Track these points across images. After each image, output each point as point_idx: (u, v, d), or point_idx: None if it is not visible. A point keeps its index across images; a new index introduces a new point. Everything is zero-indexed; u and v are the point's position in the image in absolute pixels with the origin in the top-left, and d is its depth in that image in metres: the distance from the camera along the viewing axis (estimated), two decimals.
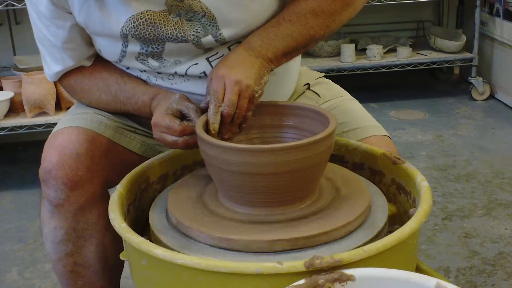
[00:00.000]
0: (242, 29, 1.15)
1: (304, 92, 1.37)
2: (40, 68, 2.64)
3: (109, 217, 0.98)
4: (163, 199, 1.09)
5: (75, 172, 1.13)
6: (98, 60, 1.26)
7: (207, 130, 1.04)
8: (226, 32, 1.14)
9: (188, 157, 1.21)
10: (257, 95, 1.07)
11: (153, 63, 1.18)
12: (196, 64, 1.18)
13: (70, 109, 1.32)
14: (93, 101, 1.25)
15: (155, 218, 1.03)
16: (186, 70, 1.19)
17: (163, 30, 1.13)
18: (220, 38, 1.15)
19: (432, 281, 0.80)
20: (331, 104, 1.33)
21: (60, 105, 2.51)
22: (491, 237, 2.01)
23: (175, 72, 1.19)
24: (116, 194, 1.04)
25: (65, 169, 1.12)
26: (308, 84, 1.38)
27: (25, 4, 2.59)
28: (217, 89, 1.06)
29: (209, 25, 1.13)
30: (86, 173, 1.14)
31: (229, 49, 1.18)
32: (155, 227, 1.01)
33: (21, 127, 2.48)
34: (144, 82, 1.23)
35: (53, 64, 1.23)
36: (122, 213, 1.00)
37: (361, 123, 1.28)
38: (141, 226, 1.11)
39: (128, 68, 1.23)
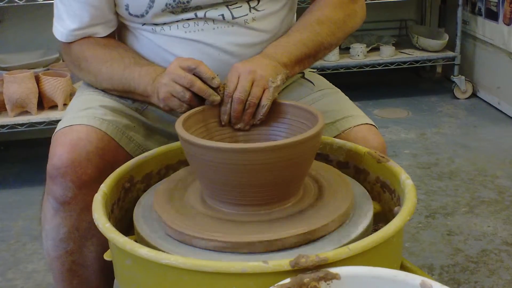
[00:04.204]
0: None
1: (297, 79, 1.38)
2: (22, 67, 2.62)
3: (93, 217, 0.97)
4: (147, 198, 1.08)
5: (84, 171, 1.12)
6: (113, 39, 1.30)
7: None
8: None
9: (172, 156, 1.21)
10: (273, 85, 1.10)
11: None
12: (216, 9, 1.23)
13: (71, 104, 1.31)
14: (103, 70, 1.25)
15: (140, 218, 1.02)
16: (205, 13, 1.23)
17: None
18: None
19: (417, 279, 0.80)
20: (325, 92, 1.34)
21: (42, 105, 2.49)
22: (474, 234, 2.03)
23: (195, 15, 1.22)
24: (100, 194, 1.03)
25: (75, 167, 1.12)
26: (302, 72, 1.40)
27: (7, 3, 2.58)
28: (231, 78, 1.10)
29: None
30: (95, 172, 1.13)
31: (248, 3, 1.24)
32: (140, 227, 1.00)
33: (2, 126, 2.45)
34: None
35: (69, 21, 1.25)
36: (106, 213, 0.99)
37: (353, 112, 1.29)
38: (126, 226, 1.11)
39: (144, 24, 1.25)
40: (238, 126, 1.11)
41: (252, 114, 1.10)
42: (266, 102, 1.09)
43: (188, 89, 1.10)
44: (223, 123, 1.10)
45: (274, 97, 1.10)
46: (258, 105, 1.09)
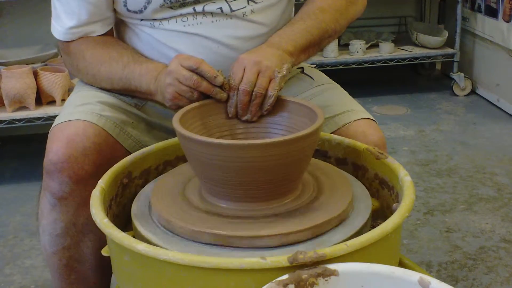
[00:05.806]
0: None
1: (297, 74, 1.38)
2: (20, 62, 2.61)
3: (91, 213, 0.97)
4: (145, 194, 1.08)
5: (81, 166, 1.12)
6: (111, 37, 1.30)
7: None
8: None
9: (170, 152, 1.20)
10: (279, 75, 1.09)
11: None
12: (214, 2, 1.22)
13: (69, 99, 1.31)
14: (102, 70, 1.25)
15: (138, 213, 1.02)
16: (204, 6, 1.22)
17: None
18: None
19: (415, 275, 0.80)
20: (324, 87, 1.34)
21: (40, 100, 2.49)
22: (472, 231, 2.03)
23: (193, 9, 1.22)
24: (98, 189, 1.02)
25: (71, 163, 1.11)
26: (302, 67, 1.40)
27: None
28: (236, 71, 1.09)
29: None
30: (92, 167, 1.13)
31: None
32: (138, 222, 1.00)
33: (0, 121, 2.44)
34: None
35: (66, 20, 1.25)
36: (104, 209, 0.99)
37: (353, 107, 1.29)
38: (124, 222, 1.11)
39: (142, 20, 1.25)
40: (245, 117, 1.10)
41: (259, 105, 1.09)
42: (272, 92, 1.08)
43: (194, 89, 1.09)
44: (230, 115, 1.10)
45: (281, 87, 1.10)
46: (264, 95, 1.09)
